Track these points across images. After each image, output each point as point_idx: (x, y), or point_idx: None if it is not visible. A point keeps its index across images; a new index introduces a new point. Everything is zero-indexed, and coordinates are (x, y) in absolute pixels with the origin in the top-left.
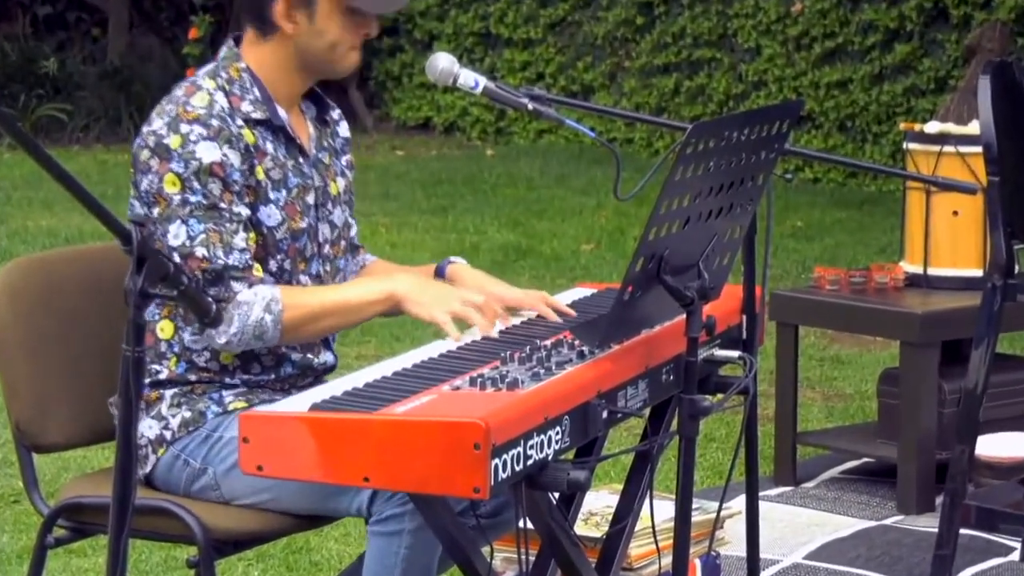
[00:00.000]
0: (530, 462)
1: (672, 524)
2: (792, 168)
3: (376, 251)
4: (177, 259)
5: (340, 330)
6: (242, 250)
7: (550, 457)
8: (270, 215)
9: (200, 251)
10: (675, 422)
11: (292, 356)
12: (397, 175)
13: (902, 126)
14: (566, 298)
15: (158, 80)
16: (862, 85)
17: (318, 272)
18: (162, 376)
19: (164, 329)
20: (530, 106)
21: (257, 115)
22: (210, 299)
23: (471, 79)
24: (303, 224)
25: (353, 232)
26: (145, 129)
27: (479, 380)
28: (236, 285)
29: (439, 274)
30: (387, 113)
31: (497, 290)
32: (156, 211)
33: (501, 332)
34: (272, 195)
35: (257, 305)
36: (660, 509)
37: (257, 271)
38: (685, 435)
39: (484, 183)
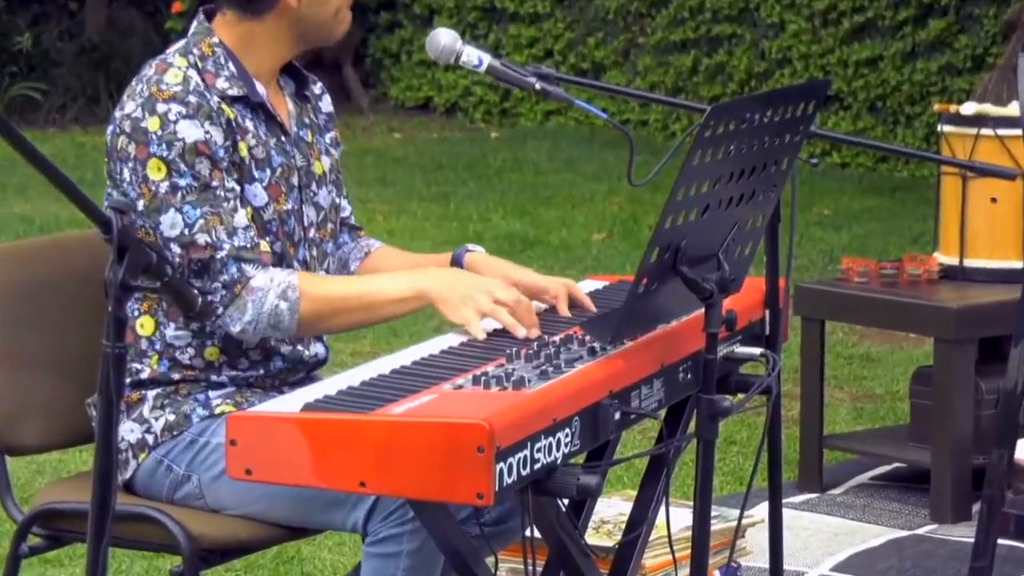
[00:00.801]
0: (537, 466)
1: (690, 533)
2: (818, 152)
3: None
4: (177, 250)
5: (362, 327)
6: (245, 228)
7: (559, 461)
8: (256, 195)
9: (202, 238)
10: (693, 424)
11: (281, 349)
12: (395, 159)
13: (936, 107)
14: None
15: (139, 57)
16: (893, 63)
17: (305, 258)
18: (144, 375)
19: (144, 325)
20: (537, 85)
21: (233, 92)
22: (196, 291)
23: (474, 56)
24: (287, 206)
25: (346, 213)
26: (118, 114)
27: (483, 378)
28: (249, 269)
29: (456, 263)
30: (384, 93)
31: (520, 276)
32: (142, 203)
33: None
34: (256, 174)
35: (272, 292)
36: (677, 517)
37: (264, 247)
38: (703, 438)
39: (488, 168)
